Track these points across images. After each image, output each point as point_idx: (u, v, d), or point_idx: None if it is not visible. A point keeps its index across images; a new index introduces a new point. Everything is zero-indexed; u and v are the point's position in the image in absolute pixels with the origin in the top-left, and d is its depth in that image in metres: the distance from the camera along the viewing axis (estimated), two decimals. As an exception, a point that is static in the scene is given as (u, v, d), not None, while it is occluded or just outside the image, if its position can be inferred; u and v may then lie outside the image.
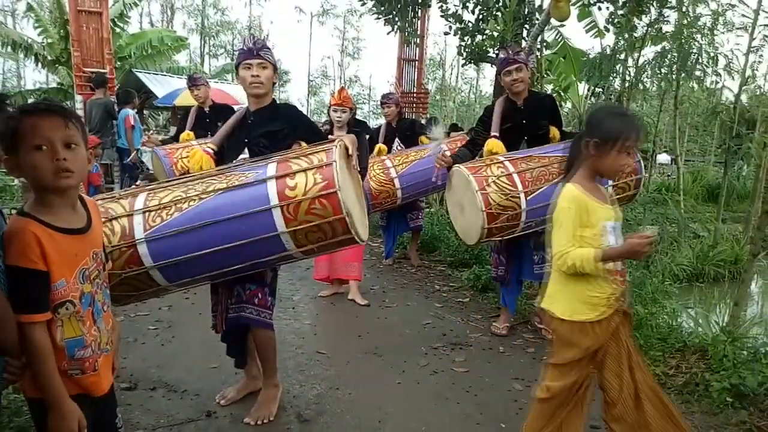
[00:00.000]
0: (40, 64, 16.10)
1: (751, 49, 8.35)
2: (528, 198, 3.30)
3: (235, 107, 7.67)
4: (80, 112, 8.49)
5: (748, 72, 8.95)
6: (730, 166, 10.77)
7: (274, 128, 2.66)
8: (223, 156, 2.75)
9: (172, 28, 28.14)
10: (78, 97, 8.57)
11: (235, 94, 14.41)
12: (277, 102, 2.81)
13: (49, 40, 15.39)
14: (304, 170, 2.22)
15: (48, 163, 1.37)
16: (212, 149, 2.72)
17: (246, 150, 2.69)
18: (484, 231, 3.30)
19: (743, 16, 7.03)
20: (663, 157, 19.77)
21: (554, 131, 3.80)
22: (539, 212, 3.34)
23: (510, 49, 3.81)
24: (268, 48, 2.67)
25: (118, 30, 15.36)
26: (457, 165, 3.57)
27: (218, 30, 31.45)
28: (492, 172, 3.36)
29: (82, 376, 1.47)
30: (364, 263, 5.14)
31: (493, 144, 3.64)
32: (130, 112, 7.71)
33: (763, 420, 2.70)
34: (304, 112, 3.20)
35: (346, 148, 2.49)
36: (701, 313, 5.29)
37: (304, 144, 2.60)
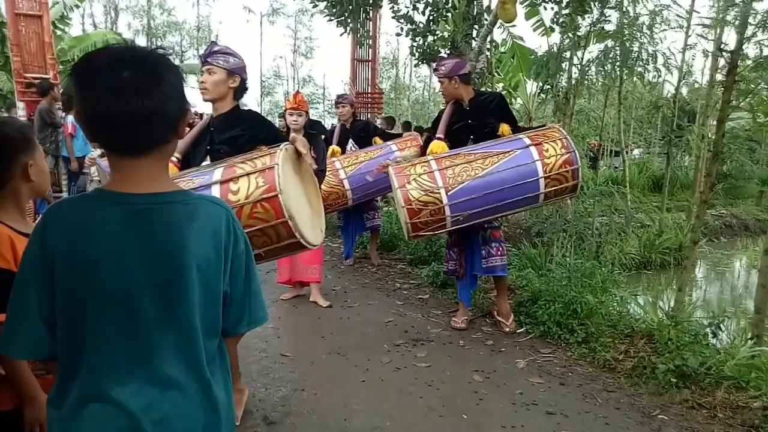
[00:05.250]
0: (-26, 69, 15.33)
1: (687, 47, 8.80)
2: (449, 193, 3.47)
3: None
4: (23, 119, 8.20)
5: (685, 68, 9.43)
6: (673, 158, 11.30)
7: (235, 134, 2.67)
8: (189, 164, 2.74)
9: (117, 29, 27.26)
10: (20, 104, 8.24)
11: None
12: (241, 108, 2.80)
13: (-16, 44, 14.68)
14: (247, 174, 2.23)
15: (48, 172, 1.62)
16: (177, 157, 2.70)
17: (208, 157, 2.69)
18: (408, 225, 3.50)
19: (677, 16, 7.40)
20: (637, 152, 20.26)
21: (503, 128, 3.92)
22: (463, 206, 3.49)
23: (437, 63, 4.04)
24: (220, 52, 2.65)
25: (59, 32, 14.80)
26: (390, 166, 3.74)
27: (165, 31, 30.64)
28: (415, 170, 3.56)
29: (48, 376, 1.52)
30: (325, 264, 5.17)
31: (435, 145, 3.83)
32: (69, 119, 7.47)
33: (704, 397, 2.89)
34: (263, 115, 3.21)
35: (297, 150, 2.52)
36: (648, 299, 5.56)
37: (264, 148, 2.61)
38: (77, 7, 16.46)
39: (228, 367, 1.24)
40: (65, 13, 15.35)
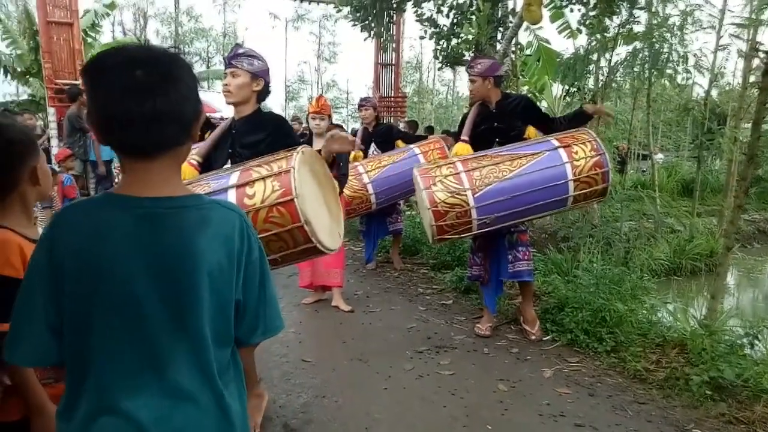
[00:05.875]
0: (9, 76, 15.76)
1: (719, 47, 8.57)
2: (476, 195, 3.39)
3: (212, 116, 7.64)
4: (53, 125, 8.38)
5: (717, 69, 9.19)
6: (703, 161, 11.02)
7: (257, 139, 2.64)
8: (210, 167, 2.72)
9: (146, 36, 27.78)
10: (50, 110, 8.42)
11: (210, 101, 14.26)
12: (262, 111, 2.77)
13: (19, 52, 15.08)
14: (263, 178, 2.19)
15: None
16: (197, 161, 2.69)
17: (229, 161, 2.67)
18: (434, 228, 3.42)
19: (710, 15, 7.21)
20: (660, 156, 19.69)
21: (530, 130, 3.85)
22: (491, 209, 3.41)
23: (471, 60, 3.97)
24: (244, 55, 2.62)
25: (90, 40, 15.13)
26: (414, 168, 3.69)
27: (193, 37, 31.13)
28: (441, 172, 3.49)
29: (57, 384, 1.49)
30: (347, 268, 5.13)
31: (459, 147, 3.75)
32: None
33: (741, 411, 2.76)
34: (286, 120, 3.19)
35: (319, 151, 2.49)
36: (679, 307, 5.39)
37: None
38: (108, 15, 16.81)
39: (242, 378, 1.20)
40: (96, 21, 15.70)
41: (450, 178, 3.43)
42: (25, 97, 17.21)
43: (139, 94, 0.97)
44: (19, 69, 15.31)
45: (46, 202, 6.18)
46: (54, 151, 7.88)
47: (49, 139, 8.31)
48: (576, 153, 3.47)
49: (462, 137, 3.78)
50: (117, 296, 1.01)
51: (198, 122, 1.10)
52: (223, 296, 1.08)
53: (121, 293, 1.01)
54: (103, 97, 1.00)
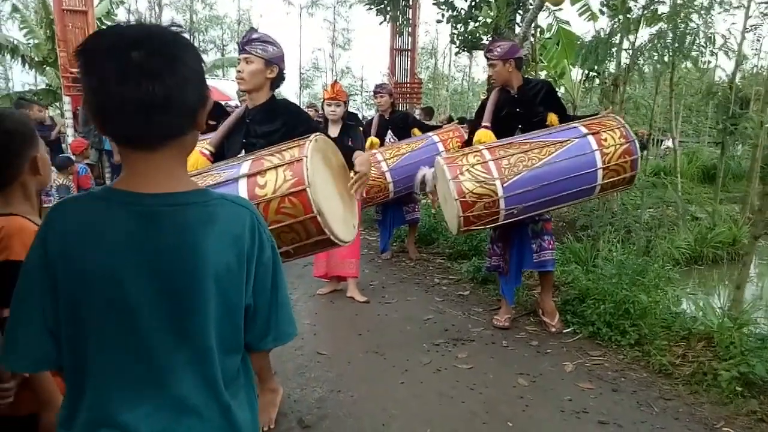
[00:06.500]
0: (27, 66, 15.86)
1: (747, 28, 8.28)
2: (505, 185, 3.26)
3: (226, 103, 7.57)
4: (68, 113, 8.38)
5: (746, 51, 8.89)
6: (727, 147, 10.73)
7: (272, 128, 2.55)
8: (222, 157, 2.65)
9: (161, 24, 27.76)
10: (66, 98, 8.43)
11: (225, 89, 14.20)
12: (276, 99, 2.69)
13: (36, 41, 15.16)
14: (275, 167, 2.11)
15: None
16: (209, 150, 2.62)
17: (243, 151, 2.59)
18: (460, 219, 3.30)
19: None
20: (669, 144, 19.18)
21: (551, 117, 3.72)
22: (519, 198, 3.29)
23: (490, 43, 3.83)
24: (258, 41, 2.53)
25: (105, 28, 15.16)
26: (438, 156, 3.56)
27: (207, 25, 31.09)
28: (468, 161, 3.35)
29: None
30: (362, 258, 5.07)
31: (481, 134, 3.62)
32: None
33: (773, 409, 2.65)
34: (301, 108, 3.10)
35: (334, 139, 2.42)
36: (703, 298, 5.24)
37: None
38: (122, 3, 16.82)
39: (253, 384, 1.12)
40: (111, 10, 15.70)
41: (478, 167, 3.30)
42: (42, 86, 17.33)
43: (136, 78, 0.87)
44: (36, 58, 15.41)
45: (63, 191, 6.20)
46: (69, 140, 7.90)
47: (60, 130, 8.31)
48: (605, 140, 3.34)
49: (484, 123, 3.66)
50: (111, 301, 0.93)
51: (204, 109, 1.00)
52: (231, 301, 1.00)
53: (115, 298, 0.93)
54: (97, 81, 0.90)
